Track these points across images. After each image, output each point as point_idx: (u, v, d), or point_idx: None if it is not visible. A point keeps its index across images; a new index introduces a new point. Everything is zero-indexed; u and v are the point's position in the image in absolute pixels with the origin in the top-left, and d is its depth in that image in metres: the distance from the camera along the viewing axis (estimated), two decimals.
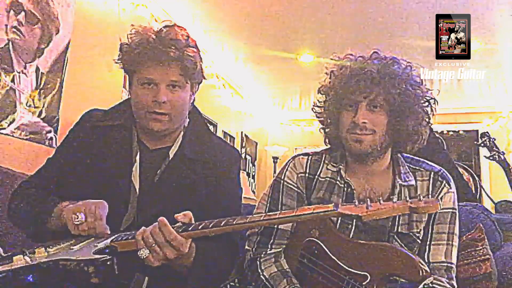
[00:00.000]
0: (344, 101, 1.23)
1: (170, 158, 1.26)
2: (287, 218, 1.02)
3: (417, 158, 1.34)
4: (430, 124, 1.28)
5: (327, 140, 1.36)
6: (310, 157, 1.35)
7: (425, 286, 1.09)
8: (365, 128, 1.20)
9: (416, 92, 1.22)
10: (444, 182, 1.27)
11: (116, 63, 1.26)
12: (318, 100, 1.34)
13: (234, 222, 1.01)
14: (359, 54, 1.28)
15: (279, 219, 1.02)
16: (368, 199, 0.97)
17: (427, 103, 1.25)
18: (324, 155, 1.35)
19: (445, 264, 1.22)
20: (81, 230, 1.07)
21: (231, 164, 1.33)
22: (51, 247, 1.05)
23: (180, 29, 1.24)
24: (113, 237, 1.06)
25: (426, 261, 1.22)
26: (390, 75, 1.20)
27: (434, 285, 1.13)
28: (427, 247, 1.24)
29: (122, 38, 1.24)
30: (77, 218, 1.07)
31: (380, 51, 1.27)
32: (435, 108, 1.27)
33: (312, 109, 1.37)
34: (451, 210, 1.26)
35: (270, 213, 1.04)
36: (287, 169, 1.35)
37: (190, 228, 1.01)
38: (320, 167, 1.33)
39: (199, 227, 1.01)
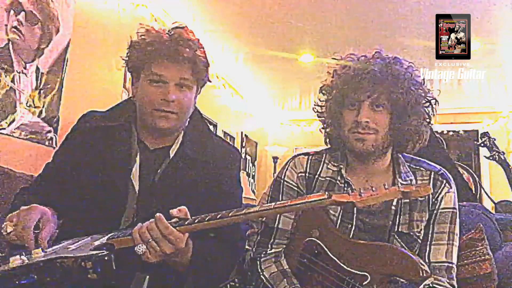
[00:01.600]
0: (346, 100, 1.23)
1: (170, 157, 1.26)
2: (282, 209, 1.02)
3: (417, 158, 1.34)
4: (430, 124, 1.28)
5: (327, 140, 1.36)
6: (311, 156, 1.35)
7: (426, 286, 1.09)
8: (368, 127, 1.20)
9: (418, 91, 1.22)
10: (445, 182, 1.27)
11: (124, 60, 1.26)
12: (319, 100, 1.34)
13: (230, 215, 1.01)
14: (361, 54, 1.28)
15: (275, 209, 1.02)
16: (360, 188, 0.98)
17: (428, 103, 1.25)
18: (324, 155, 1.35)
19: (446, 264, 1.22)
20: (11, 240, 1.05)
21: (232, 164, 1.33)
22: (48, 247, 1.05)
23: (190, 31, 1.26)
24: (110, 234, 1.06)
25: (427, 261, 1.22)
26: (393, 74, 1.20)
27: (434, 285, 1.13)
28: (427, 247, 1.24)
29: (133, 36, 1.25)
30: (5, 229, 1.05)
31: (382, 51, 1.27)
32: (435, 109, 1.27)
33: (313, 108, 1.37)
34: (451, 210, 1.26)
35: (266, 205, 1.04)
36: (287, 169, 1.35)
37: (186, 222, 1.02)
38: (321, 167, 1.33)
39: (195, 221, 1.02)
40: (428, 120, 1.26)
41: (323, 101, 1.33)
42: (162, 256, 1.01)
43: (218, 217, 1.02)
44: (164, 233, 1.00)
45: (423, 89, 1.24)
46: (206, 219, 1.02)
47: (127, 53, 1.26)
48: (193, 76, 1.23)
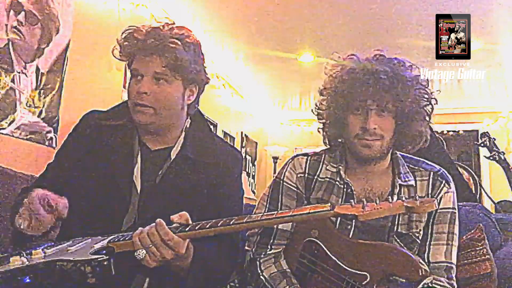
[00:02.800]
0: (351, 105, 1.22)
1: (172, 159, 1.25)
2: (284, 218, 1.02)
3: (417, 158, 1.34)
4: (430, 124, 1.28)
5: (326, 141, 1.35)
6: (310, 157, 1.35)
7: (425, 286, 1.10)
8: (375, 134, 1.19)
9: (421, 95, 1.22)
10: (444, 182, 1.27)
11: (117, 59, 1.26)
12: (319, 102, 1.33)
13: (231, 223, 1.00)
14: (363, 56, 1.26)
15: (276, 219, 1.02)
16: (364, 199, 0.97)
17: (428, 103, 1.25)
18: (323, 156, 1.35)
19: (445, 264, 1.22)
20: (33, 229, 1.06)
21: (233, 166, 1.32)
22: (48, 248, 1.05)
23: (179, 29, 1.24)
24: (111, 237, 1.06)
25: (426, 261, 1.22)
26: (401, 81, 1.19)
27: (433, 285, 1.13)
28: (427, 247, 1.24)
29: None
30: (19, 223, 1.05)
31: (384, 52, 1.26)
32: (433, 108, 1.27)
33: (312, 110, 1.36)
34: (451, 210, 1.26)
35: (267, 213, 1.03)
36: (286, 169, 1.35)
37: (187, 229, 1.01)
38: (320, 167, 1.32)
39: (196, 228, 1.01)
40: (428, 120, 1.26)
41: (323, 103, 1.31)
42: (162, 261, 1.01)
43: (219, 224, 1.00)
44: (164, 239, 0.99)
45: (427, 92, 1.24)
46: (207, 226, 1.01)
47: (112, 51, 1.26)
48: (170, 70, 1.18)
